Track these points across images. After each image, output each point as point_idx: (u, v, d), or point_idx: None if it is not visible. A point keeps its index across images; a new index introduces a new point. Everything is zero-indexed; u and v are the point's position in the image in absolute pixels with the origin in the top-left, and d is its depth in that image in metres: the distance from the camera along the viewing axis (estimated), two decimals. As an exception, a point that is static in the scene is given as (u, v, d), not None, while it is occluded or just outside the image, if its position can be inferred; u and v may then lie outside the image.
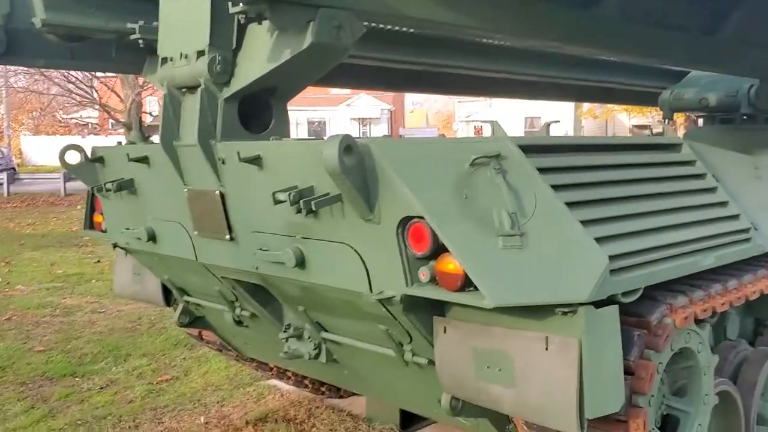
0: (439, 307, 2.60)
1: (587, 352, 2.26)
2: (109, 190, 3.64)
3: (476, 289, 2.26)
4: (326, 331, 3.25)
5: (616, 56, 5.98)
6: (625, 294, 2.48)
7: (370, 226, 2.47)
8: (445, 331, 2.59)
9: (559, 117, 34.64)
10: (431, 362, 2.75)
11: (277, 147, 2.76)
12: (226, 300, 3.71)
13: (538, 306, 2.30)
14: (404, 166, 2.34)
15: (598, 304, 2.32)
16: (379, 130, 45.91)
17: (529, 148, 2.54)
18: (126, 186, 3.61)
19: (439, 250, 2.33)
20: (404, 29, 4.33)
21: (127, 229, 3.78)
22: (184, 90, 3.14)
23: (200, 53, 2.97)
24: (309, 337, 3.48)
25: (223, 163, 2.98)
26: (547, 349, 2.32)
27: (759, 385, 3.48)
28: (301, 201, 2.53)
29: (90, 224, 4.19)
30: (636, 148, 3.21)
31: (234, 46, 2.99)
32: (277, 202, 2.63)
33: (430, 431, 4.63)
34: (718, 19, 4.61)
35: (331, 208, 2.56)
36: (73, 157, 3.80)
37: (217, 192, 3.07)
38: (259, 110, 3.15)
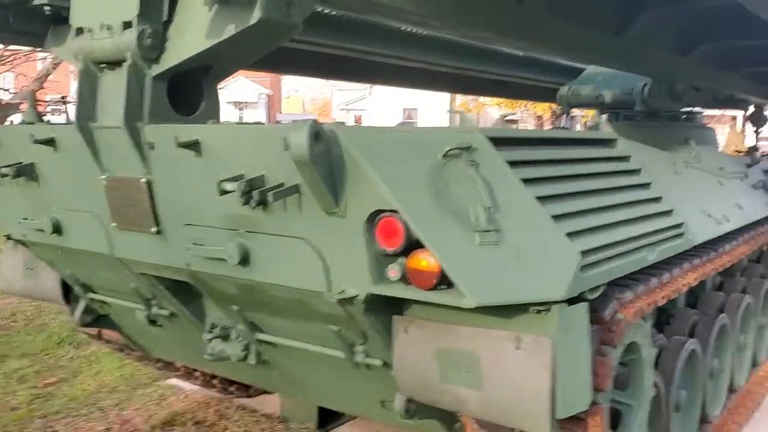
0: (398, 306, 2.47)
1: (560, 351, 2.20)
2: (5, 176, 3.22)
3: (450, 286, 2.15)
4: (261, 331, 3.03)
5: (543, 52, 6.08)
6: (591, 290, 2.46)
7: (333, 219, 2.29)
8: (406, 331, 2.46)
9: (433, 109, 35.58)
10: (386, 364, 2.62)
11: (221, 131, 2.51)
12: (142, 298, 3.39)
13: (508, 305, 2.22)
14: (376, 156, 2.18)
15: (569, 301, 2.28)
16: (256, 114, 44.84)
17: (497, 141, 2.45)
18: (26, 171, 3.21)
19: (411, 246, 2.19)
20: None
21: (26, 219, 3.38)
22: (103, 65, 2.81)
23: (127, 24, 2.66)
24: (238, 338, 3.24)
25: (152, 148, 2.69)
26: (518, 348, 2.24)
27: (677, 373, 3.62)
28: (252, 192, 2.31)
29: None
30: (575, 143, 3.21)
31: (165, 17, 2.69)
32: (223, 192, 2.38)
33: (347, 428, 4.50)
34: (626, 20, 4.78)
35: (284, 200, 2.35)
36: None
37: (143, 180, 2.77)
38: (186, 90, 2.88)
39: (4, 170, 3.22)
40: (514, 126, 34.86)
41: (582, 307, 2.35)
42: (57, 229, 3.27)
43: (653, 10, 4.71)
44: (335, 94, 38.16)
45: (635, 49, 4.84)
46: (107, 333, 4.26)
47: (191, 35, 2.63)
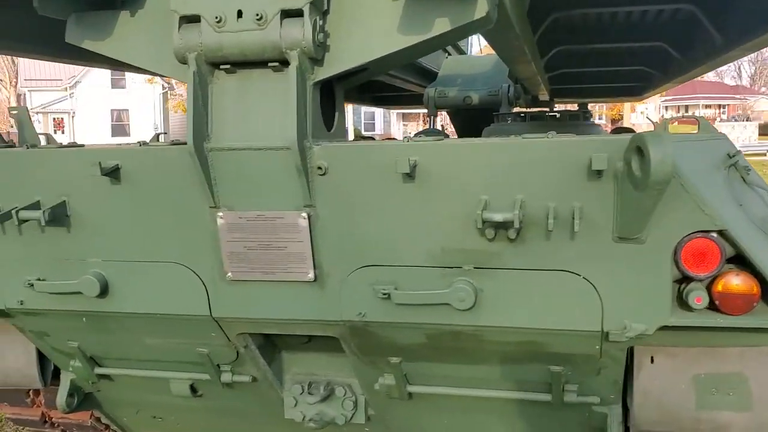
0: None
1: None
2: (24, 221, 2.30)
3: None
4: (413, 383, 2.56)
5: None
6: None
7: (624, 247, 2.01)
8: (652, 361, 2.28)
9: (144, 110, 33.37)
10: (601, 401, 2.41)
11: (467, 149, 2.06)
12: (210, 365, 2.65)
13: None
14: (692, 171, 1.96)
15: None
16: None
17: None
18: (57, 213, 2.31)
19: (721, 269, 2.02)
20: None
21: (39, 280, 2.44)
22: (226, 67, 2.13)
23: (288, 14, 2.04)
24: (345, 396, 2.72)
25: (324, 173, 2.11)
26: None
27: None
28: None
29: None
30: None
31: (325, 7, 2.12)
32: (485, 223, 1.96)
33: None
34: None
35: (546, 228, 2.01)
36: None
37: (303, 215, 2.17)
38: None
39: (26, 214, 2.28)
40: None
41: None
42: (104, 290, 2.40)
43: None
44: (28, 95, 33.49)
45: None
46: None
47: (372, 32, 2.10)
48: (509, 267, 2.11)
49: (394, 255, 2.17)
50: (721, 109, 50.92)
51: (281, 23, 2.04)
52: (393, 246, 2.16)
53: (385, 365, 2.49)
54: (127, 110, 34.21)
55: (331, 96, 2.37)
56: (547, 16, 3.55)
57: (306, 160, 2.09)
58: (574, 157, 1.94)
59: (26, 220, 2.30)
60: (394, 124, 43.37)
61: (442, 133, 6.17)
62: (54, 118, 33.97)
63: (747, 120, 43.12)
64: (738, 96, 51.65)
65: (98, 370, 2.82)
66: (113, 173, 2.25)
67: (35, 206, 2.35)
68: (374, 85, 7.73)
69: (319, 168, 2.11)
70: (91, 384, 2.94)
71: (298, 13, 2.04)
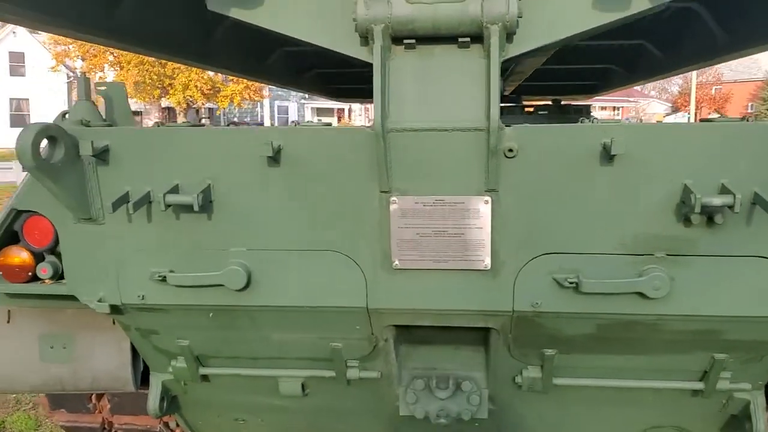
0: None
1: None
2: (170, 205, 2.08)
3: None
4: (560, 376, 2.50)
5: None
6: None
7: None
8: None
9: (50, 98, 31.42)
10: (753, 387, 2.44)
11: (654, 131, 2.01)
12: (341, 360, 2.49)
13: None
14: None
15: None
16: None
17: None
18: (204, 197, 2.11)
19: None
20: None
21: (172, 272, 2.22)
22: (411, 42, 2.00)
23: None
24: (471, 390, 2.63)
25: (513, 155, 2.02)
26: None
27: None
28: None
29: None
30: None
31: None
32: (703, 209, 1.92)
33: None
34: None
35: (747, 213, 2.01)
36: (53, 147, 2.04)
37: (486, 199, 2.07)
38: None
39: (173, 198, 2.06)
40: (137, 118, 32.64)
41: None
42: (248, 282, 2.20)
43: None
44: None
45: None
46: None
47: (566, 7, 2.02)
48: (703, 254, 2.08)
49: (579, 242, 2.10)
50: (616, 111, 53.58)
51: (482, -3, 1.93)
52: (579, 232, 2.09)
53: (536, 357, 2.42)
54: (28, 99, 32.13)
55: None
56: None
57: (496, 142, 1.99)
58: None
59: (170, 206, 2.08)
60: (308, 118, 42.97)
61: None
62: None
63: (640, 122, 45.80)
64: (631, 99, 54.48)
65: (202, 371, 2.59)
66: (275, 155, 2.06)
67: (174, 190, 2.13)
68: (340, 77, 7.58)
69: (510, 150, 2.02)
70: (183, 385, 2.70)
71: None
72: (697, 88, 48.64)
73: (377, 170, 2.07)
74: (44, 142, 2.03)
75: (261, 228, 2.19)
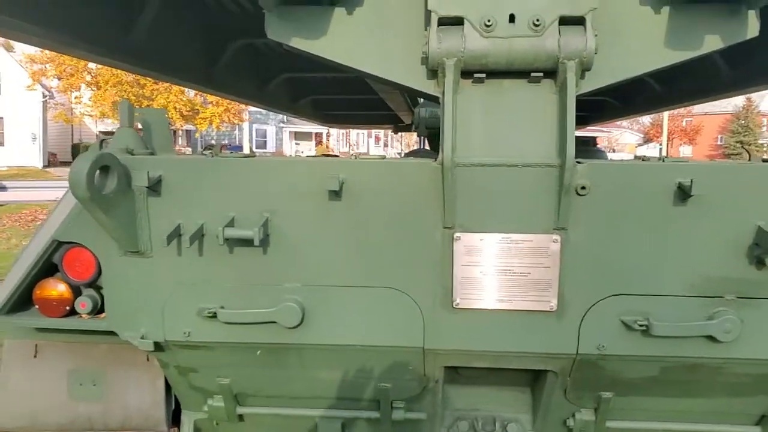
0: None
1: None
2: (228, 239, 2.00)
3: None
4: (613, 419, 2.43)
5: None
6: None
7: None
8: None
9: (21, 118, 30.86)
10: None
11: (729, 171, 1.97)
12: (387, 401, 2.40)
13: None
14: None
15: None
16: None
17: None
18: (264, 231, 2.02)
19: None
20: None
21: (222, 308, 2.12)
22: (482, 76, 1.96)
23: (566, 20, 1.90)
24: None
25: (584, 192, 1.97)
26: None
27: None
28: None
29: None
30: None
31: None
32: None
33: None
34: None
35: None
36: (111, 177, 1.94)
37: (556, 238, 2.01)
38: None
39: (232, 232, 1.97)
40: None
41: None
42: (302, 319, 2.11)
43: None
44: None
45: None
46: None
47: (639, 45, 2.00)
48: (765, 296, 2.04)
49: (648, 283, 2.05)
50: (589, 141, 54.40)
51: (560, 30, 1.89)
52: (649, 273, 2.04)
53: (591, 400, 2.35)
54: (2, 118, 31.56)
55: None
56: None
57: (570, 179, 1.94)
58: None
59: (227, 239, 1.98)
60: (286, 142, 42.80)
61: (433, 154, 6.07)
62: None
63: (613, 152, 46.56)
64: (605, 129, 55.35)
65: (240, 410, 2.47)
66: (337, 189, 1.98)
67: (230, 224, 2.04)
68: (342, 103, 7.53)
69: (583, 188, 1.97)
70: (215, 425, 2.58)
71: (575, 21, 1.90)
72: (668, 119, 49.62)
73: (441, 205, 2.00)
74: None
75: (317, 263, 2.10)
